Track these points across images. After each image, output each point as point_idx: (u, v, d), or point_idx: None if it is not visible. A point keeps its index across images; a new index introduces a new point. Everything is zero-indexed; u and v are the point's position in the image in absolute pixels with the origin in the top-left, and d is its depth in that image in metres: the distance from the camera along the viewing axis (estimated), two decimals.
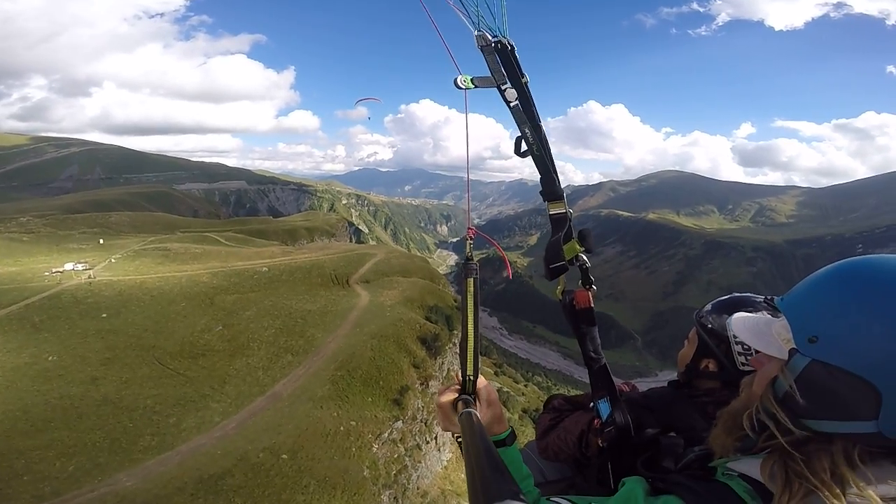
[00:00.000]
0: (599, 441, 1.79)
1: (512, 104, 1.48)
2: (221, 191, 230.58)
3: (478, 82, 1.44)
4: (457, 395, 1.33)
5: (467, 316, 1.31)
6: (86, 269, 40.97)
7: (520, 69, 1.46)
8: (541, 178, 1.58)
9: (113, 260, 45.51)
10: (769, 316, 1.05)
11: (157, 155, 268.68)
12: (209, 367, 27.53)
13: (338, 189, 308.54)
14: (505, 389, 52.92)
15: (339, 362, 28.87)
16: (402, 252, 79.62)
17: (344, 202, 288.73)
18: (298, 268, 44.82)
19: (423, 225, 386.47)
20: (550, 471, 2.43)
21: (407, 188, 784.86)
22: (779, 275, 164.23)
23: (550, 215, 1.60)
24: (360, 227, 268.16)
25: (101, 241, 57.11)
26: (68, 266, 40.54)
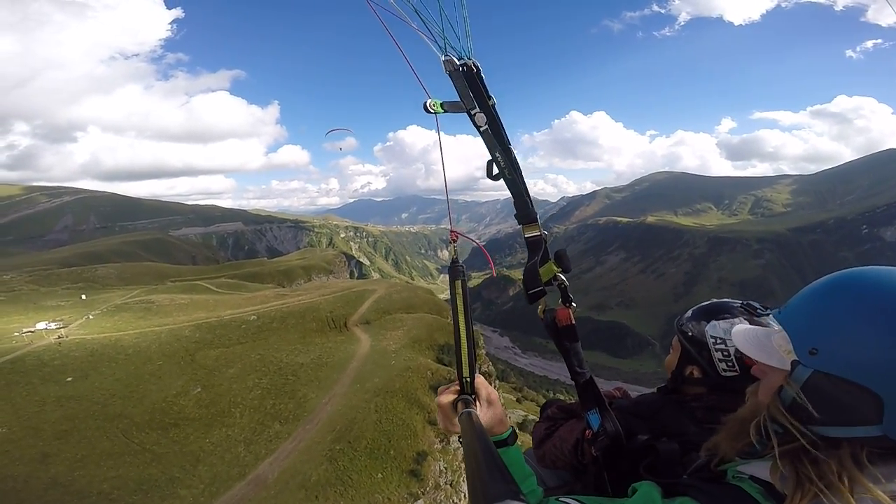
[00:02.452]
0: (592, 451, 1.82)
1: (482, 129, 1.46)
2: (219, 234, 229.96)
3: (447, 107, 1.42)
4: (456, 395, 1.34)
5: (458, 318, 1.34)
6: (59, 328, 37.86)
7: (486, 91, 1.45)
8: (514, 202, 1.58)
9: (91, 316, 42.34)
10: (772, 326, 1.07)
11: (151, 200, 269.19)
12: (181, 441, 23.38)
13: (335, 223, 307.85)
14: (531, 417, 47.92)
15: (338, 431, 24.01)
16: (405, 285, 75.96)
17: (342, 236, 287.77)
18: (291, 313, 41.20)
19: (423, 251, 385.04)
20: (549, 478, 2.38)
21: (404, 216, 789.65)
22: (788, 264, 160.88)
23: (526, 239, 1.61)
24: (360, 259, 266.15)
25: (84, 296, 54.30)
26: (40, 325, 37.40)
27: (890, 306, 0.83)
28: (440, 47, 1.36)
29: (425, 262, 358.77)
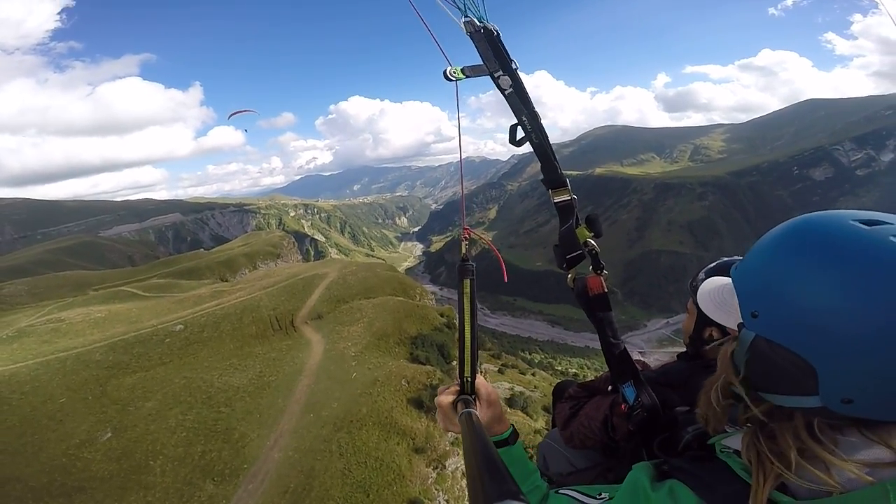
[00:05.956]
0: (630, 426, 1.76)
1: (507, 92, 1.42)
2: (156, 228, 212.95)
3: (468, 72, 1.39)
4: (456, 395, 1.33)
5: (464, 318, 1.32)
6: None
7: (508, 54, 1.39)
8: (542, 167, 1.53)
9: None
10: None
11: (73, 201, 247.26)
12: None
13: (283, 202, 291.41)
14: (518, 389, 43.68)
15: (293, 492, 18.08)
16: (360, 264, 70.24)
17: (292, 214, 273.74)
18: (226, 316, 35.78)
19: (380, 221, 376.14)
20: (578, 459, 2.30)
21: (356, 187, 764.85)
22: (730, 204, 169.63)
23: (556, 203, 1.53)
24: (315, 236, 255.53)
25: None
26: None
27: (826, 264, 0.75)
28: (459, 9, 1.32)
29: (384, 231, 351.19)
